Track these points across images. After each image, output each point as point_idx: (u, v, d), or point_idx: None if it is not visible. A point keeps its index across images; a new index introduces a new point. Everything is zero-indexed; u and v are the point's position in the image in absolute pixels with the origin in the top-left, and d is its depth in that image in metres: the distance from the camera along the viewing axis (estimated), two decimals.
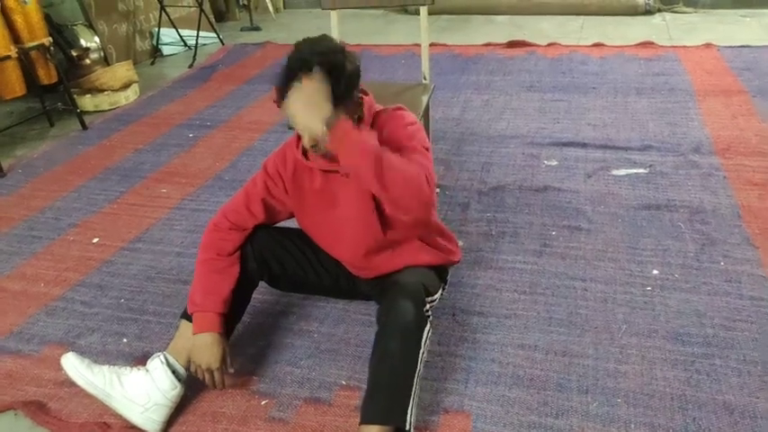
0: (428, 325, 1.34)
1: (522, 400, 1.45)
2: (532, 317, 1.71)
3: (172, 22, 4.59)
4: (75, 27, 3.76)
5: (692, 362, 1.52)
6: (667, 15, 4.77)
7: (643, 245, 1.99)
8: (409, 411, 1.25)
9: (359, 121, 1.37)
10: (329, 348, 1.65)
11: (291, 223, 1.65)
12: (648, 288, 1.79)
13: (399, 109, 1.44)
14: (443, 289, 1.58)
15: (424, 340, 1.31)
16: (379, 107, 1.43)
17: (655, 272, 1.86)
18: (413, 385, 1.26)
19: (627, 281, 1.82)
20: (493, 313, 1.73)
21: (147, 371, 1.38)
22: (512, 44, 4.20)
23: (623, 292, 1.78)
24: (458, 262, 1.64)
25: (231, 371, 1.45)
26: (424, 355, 1.32)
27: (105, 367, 1.38)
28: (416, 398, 1.28)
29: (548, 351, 1.59)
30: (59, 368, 1.53)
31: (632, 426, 1.36)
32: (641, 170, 2.45)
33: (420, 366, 1.30)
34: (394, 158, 1.22)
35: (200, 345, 1.40)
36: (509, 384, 1.49)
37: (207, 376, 1.41)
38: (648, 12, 4.78)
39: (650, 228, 2.07)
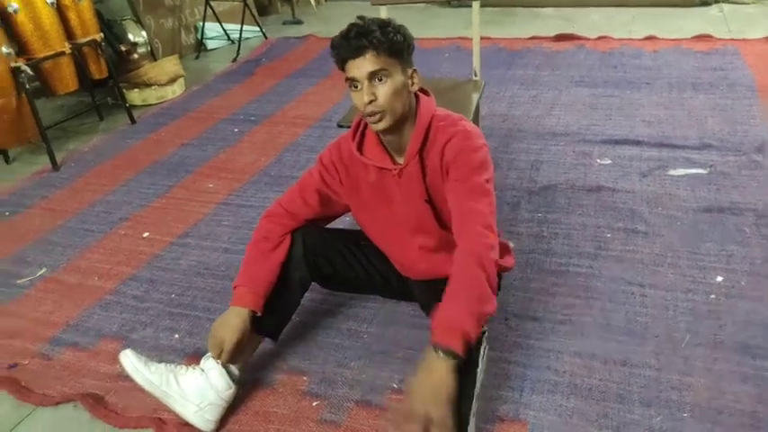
0: (484, 341, 1.30)
1: (580, 410, 1.40)
2: (588, 323, 1.65)
3: (216, 16, 4.63)
4: (123, 22, 3.83)
5: (762, 376, 1.44)
6: (725, 6, 4.56)
7: (705, 250, 1.90)
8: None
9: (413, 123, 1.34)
10: (379, 350, 1.63)
11: (341, 224, 1.63)
12: (713, 296, 1.71)
13: (462, 120, 1.37)
14: (496, 296, 1.53)
15: (481, 356, 1.28)
16: (438, 111, 1.39)
17: (719, 279, 1.77)
18: (471, 406, 1.22)
19: (689, 288, 1.75)
20: (547, 318, 1.68)
21: (203, 370, 1.39)
22: (559, 37, 4.08)
23: (685, 300, 1.70)
24: (511, 269, 1.59)
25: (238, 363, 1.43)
26: (482, 374, 1.28)
27: (162, 365, 1.39)
28: (475, 417, 1.24)
29: (606, 360, 1.53)
30: (115, 362, 1.56)
31: None
32: (701, 170, 2.34)
33: (478, 385, 1.26)
34: (474, 304, 1.19)
35: (220, 323, 1.39)
36: (566, 394, 1.45)
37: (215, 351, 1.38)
38: (705, 3, 4.58)
39: (712, 232, 1.98)
